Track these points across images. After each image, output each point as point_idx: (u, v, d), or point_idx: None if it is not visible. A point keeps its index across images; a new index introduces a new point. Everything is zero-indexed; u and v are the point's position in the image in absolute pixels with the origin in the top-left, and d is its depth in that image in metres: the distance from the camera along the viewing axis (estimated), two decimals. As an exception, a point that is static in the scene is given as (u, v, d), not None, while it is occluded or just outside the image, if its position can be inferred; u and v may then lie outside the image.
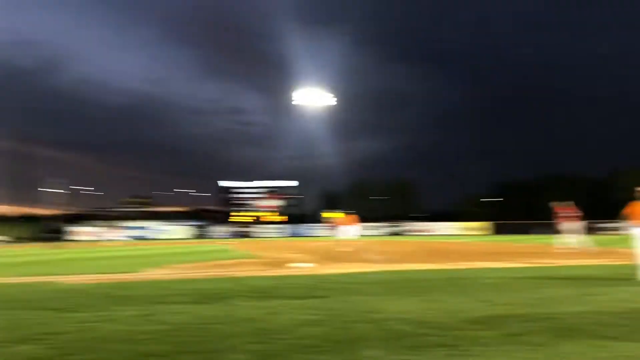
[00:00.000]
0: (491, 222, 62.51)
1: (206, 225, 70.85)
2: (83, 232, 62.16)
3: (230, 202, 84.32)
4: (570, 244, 20.90)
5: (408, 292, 8.84)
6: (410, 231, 62.79)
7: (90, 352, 4.99)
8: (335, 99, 69.81)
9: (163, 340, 5.45)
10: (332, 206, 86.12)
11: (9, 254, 28.12)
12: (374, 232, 58.03)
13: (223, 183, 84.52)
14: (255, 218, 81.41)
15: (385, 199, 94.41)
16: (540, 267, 13.56)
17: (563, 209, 21.68)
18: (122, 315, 6.97)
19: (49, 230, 64.70)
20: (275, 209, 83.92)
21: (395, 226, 64.19)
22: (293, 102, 70.03)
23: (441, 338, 5.36)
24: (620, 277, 10.70)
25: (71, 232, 62.26)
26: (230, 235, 64.00)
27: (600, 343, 5.11)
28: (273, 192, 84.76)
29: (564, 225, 21.48)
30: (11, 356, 4.90)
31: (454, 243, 32.86)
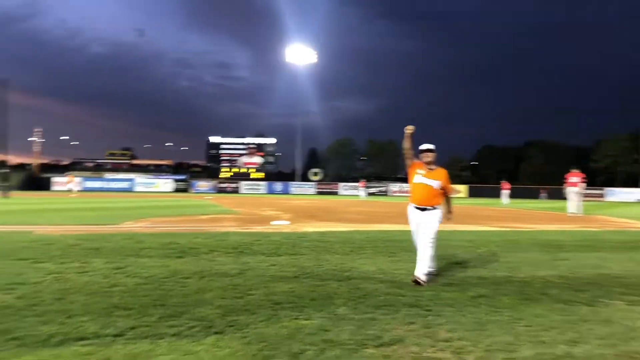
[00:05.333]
0: (467, 185, 63.51)
1: (189, 179, 70.58)
2: (62, 182, 61.36)
3: (217, 157, 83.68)
4: (572, 209, 21.21)
5: (381, 252, 8.95)
6: (391, 192, 63.27)
7: (59, 302, 4.99)
8: (317, 56, 69.02)
9: (134, 293, 5.47)
10: (314, 165, 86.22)
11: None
12: (354, 192, 58.30)
13: (213, 138, 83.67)
14: (235, 174, 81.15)
15: (365, 159, 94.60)
16: (517, 231, 13.79)
17: (572, 174, 21.67)
18: (95, 267, 6.96)
19: (32, 178, 64.00)
20: (257, 166, 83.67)
21: (376, 187, 64.59)
22: (284, 59, 69.16)
23: (410, 298, 5.46)
24: (594, 244, 10.94)
25: (54, 182, 61.62)
26: (211, 190, 63.91)
27: (561, 307, 5.25)
28: (255, 149, 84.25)
29: (570, 190, 21.54)
30: (-21, 305, 4.87)
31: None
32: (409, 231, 6.81)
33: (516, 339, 4.17)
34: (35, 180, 65.81)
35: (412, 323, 4.59)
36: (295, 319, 4.63)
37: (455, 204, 7.55)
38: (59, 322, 4.34)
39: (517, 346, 4.01)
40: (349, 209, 25.56)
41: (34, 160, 71.14)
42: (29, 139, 70.10)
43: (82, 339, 3.93)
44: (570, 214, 20.99)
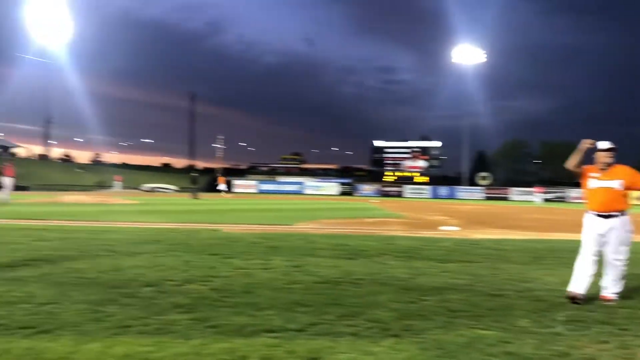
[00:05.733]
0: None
1: (353, 183, 72.39)
2: (243, 185, 66.92)
3: (381, 161, 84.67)
4: None
5: (564, 263, 8.26)
6: (570, 198, 58.22)
7: (248, 295, 5.42)
8: (485, 55, 66.32)
9: (312, 291, 5.74)
10: (482, 168, 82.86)
11: (177, 202, 31.33)
12: (527, 197, 54.72)
13: (377, 142, 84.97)
14: (399, 177, 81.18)
15: (539, 162, 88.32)
16: None
17: None
18: (276, 264, 7.45)
19: (216, 182, 70.93)
20: (421, 170, 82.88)
21: (553, 192, 59.90)
22: (451, 60, 67.92)
23: (602, 315, 4.97)
24: None
25: (235, 185, 67.56)
26: (375, 193, 64.74)
27: None
28: (419, 152, 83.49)
29: None
30: (181, 293, 5.50)
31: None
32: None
33: None
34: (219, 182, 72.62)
35: (606, 342, 4.16)
36: (473, 328, 4.47)
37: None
38: (248, 313, 4.71)
39: None
40: (523, 215, 24.11)
41: (217, 165, 78.49)
42: (213, 146, 77.68)
43: (269, 331, 4.22)
44: None
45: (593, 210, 5.71)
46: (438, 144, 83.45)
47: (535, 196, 46.66)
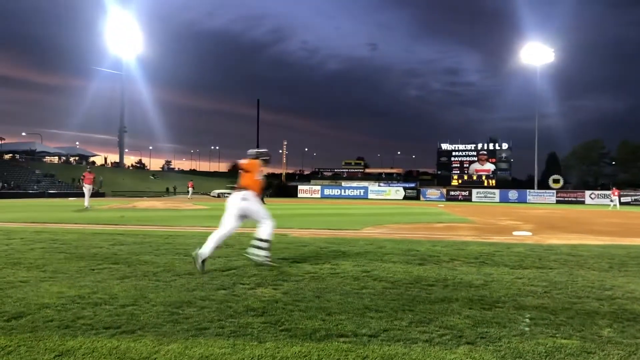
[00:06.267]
0: None
1: (418, 187, 71.46)
2: (307, 190, 67.57)
3: (447, 164, 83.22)
4: None
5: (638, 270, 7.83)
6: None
7: (318, 300, 5.46)
8: (555, 54, 63.88)
9: (383, 296, 5.71)
10: (555, 171, 79.63)
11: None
12: (603, 200, 52.10)
13: (443, 145, 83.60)
14: (465, 181, 79.30)
15: (615, 163, 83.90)
16: None
17: None
18: (345, 269, 7.47)
19: (281, 186, 72.02)
20: (489, 173, 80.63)
21: (631, 195, 56.69)
22: (519, 60, 66.09)
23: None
24: None
25: (299, 190, 68.36)
26: (441, 197, 63.59)
27: None
28: (486, 155, 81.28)
29: None
30: (253, 296, 5.62)
31: None
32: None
33: None
34: (284, 187, 73.79)
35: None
36: (552, 336, 4.31)
37: None
38: (320, 318, 4.75)
39: None
40: (599, 220, 22.97)
41: (282, 170, 79.85)
42: (278, 151, 79.03)
43: (342, 335, 4.23)
44: None
45: None
46: (505, 145, 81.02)
47: (612, 199, 44.28)
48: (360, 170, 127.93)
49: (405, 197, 64.69)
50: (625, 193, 54.63)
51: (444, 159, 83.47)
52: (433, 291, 6.04)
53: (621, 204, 47.64)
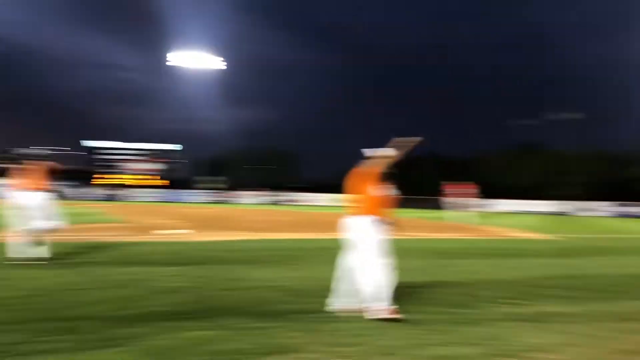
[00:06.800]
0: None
1: (74, 185, 66.42)
2: None
3: (98, 163, 79.55)
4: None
5: (277, 261, 9.00)
6: (291, 201, 63.55)
7: None
8: (225, 63, 68.35)
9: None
10: (214, 172, 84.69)
11: None
12: (253, 200, 58.01)
13: (88, 143, 79.37)
14: (124, 180, 77.78)
15: (264, 167, 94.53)
16: (409, 239, 14.36)
17: (455, 186, 23.73)
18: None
19: None
20: (152, 172, 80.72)
21: (275, 195, 64.58)
22: (168, 62, 67.85)
23: (305, 305, 5.54)
24: (475, 252, 11.75)
25: None
26: (97, 197, 60.56)
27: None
28: (149, 155, 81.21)
29: (453, 201, 23.50)
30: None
31: (329, 214, 33.78)
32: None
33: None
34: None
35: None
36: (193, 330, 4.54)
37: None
38: None
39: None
40: (250, 217, 25.37)
41: None
42: None
43: None
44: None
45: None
46: (170, 146, 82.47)
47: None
48: None
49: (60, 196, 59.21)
50: (269, 194, 61.93)
51: (95, 156, 79.99)
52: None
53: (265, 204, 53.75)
